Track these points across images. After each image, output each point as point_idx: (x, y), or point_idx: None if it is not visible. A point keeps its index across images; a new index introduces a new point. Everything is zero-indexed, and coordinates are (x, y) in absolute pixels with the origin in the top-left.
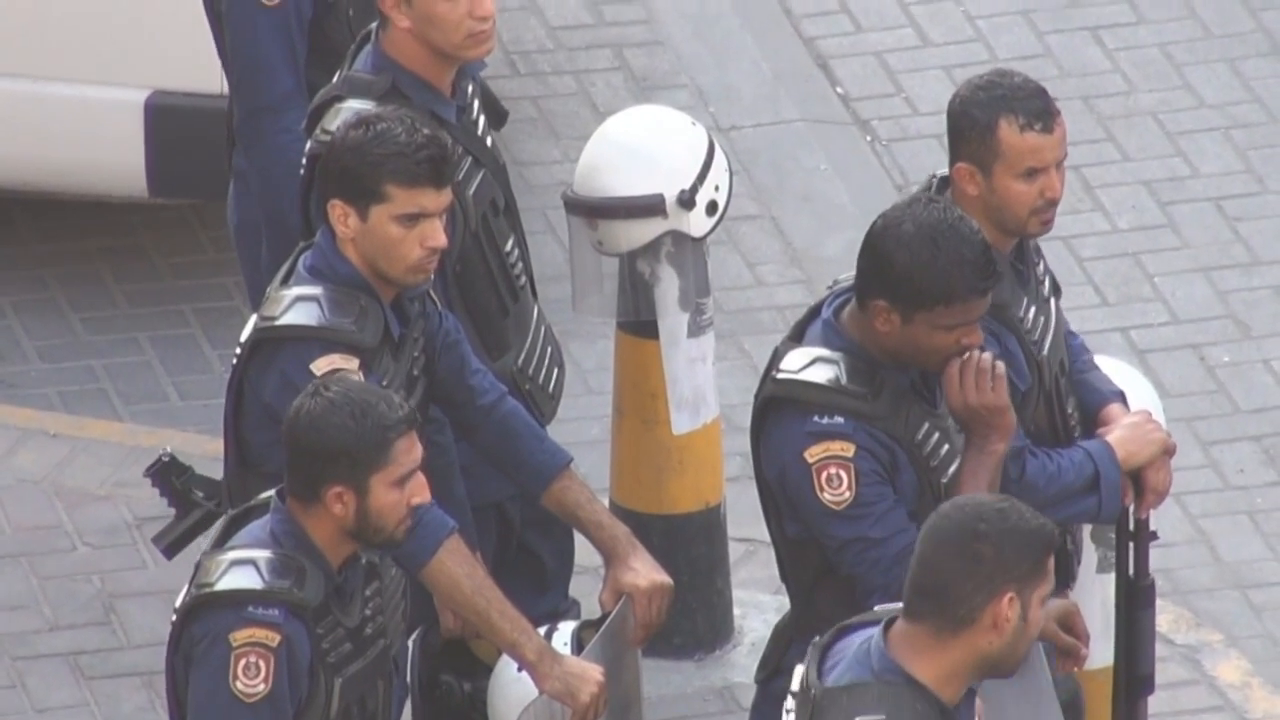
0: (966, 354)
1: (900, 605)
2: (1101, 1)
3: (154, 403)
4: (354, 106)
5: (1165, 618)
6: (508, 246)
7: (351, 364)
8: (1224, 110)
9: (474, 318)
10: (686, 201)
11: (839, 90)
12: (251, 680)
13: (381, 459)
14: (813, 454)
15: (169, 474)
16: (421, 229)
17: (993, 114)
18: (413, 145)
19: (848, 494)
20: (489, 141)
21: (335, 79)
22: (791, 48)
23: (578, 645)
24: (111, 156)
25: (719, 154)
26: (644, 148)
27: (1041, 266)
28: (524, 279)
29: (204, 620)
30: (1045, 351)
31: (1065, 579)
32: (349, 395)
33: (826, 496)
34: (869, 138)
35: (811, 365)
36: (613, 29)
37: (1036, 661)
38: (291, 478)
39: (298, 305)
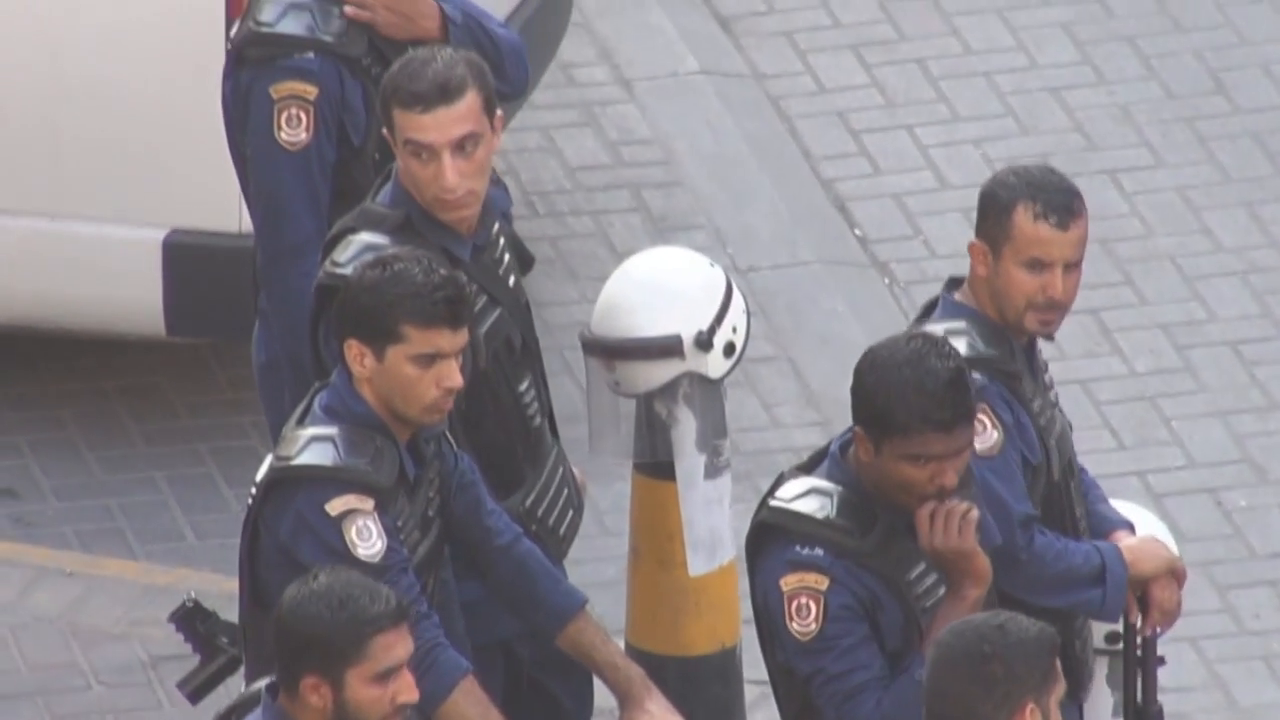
0: (937, 499)
1: None
2: (1120, 145)
3: (170, 542)
4: (366, 239)
5: None
6: (522, 386)
7: (366, 504)
8: (1242, 254)
9: (481, 455)
10: (704, 343)
11: (857, 232)
12: None
13: (356, 653)
14: (788, 582)
15: (193, 619)
16: (438, 369)
17: (1014, 196)
18: (429, 285)
19: (814, 626)
20: (511, 281)
21: (354, 212)
22: (809, 190)
23: None
24: (129, 295)
25: (737, 295)
26: (662, 289)
27: (1049, 376)
28: (539, 419)
29: None
30: (1053, 439)
31: (1075, 689)
32: (332, 586)
33: (795, 626)
34: (887, 280)
35: (805, 496)
36: (631, 170)
37: None
38: (277, 665)
39: (313, 445)
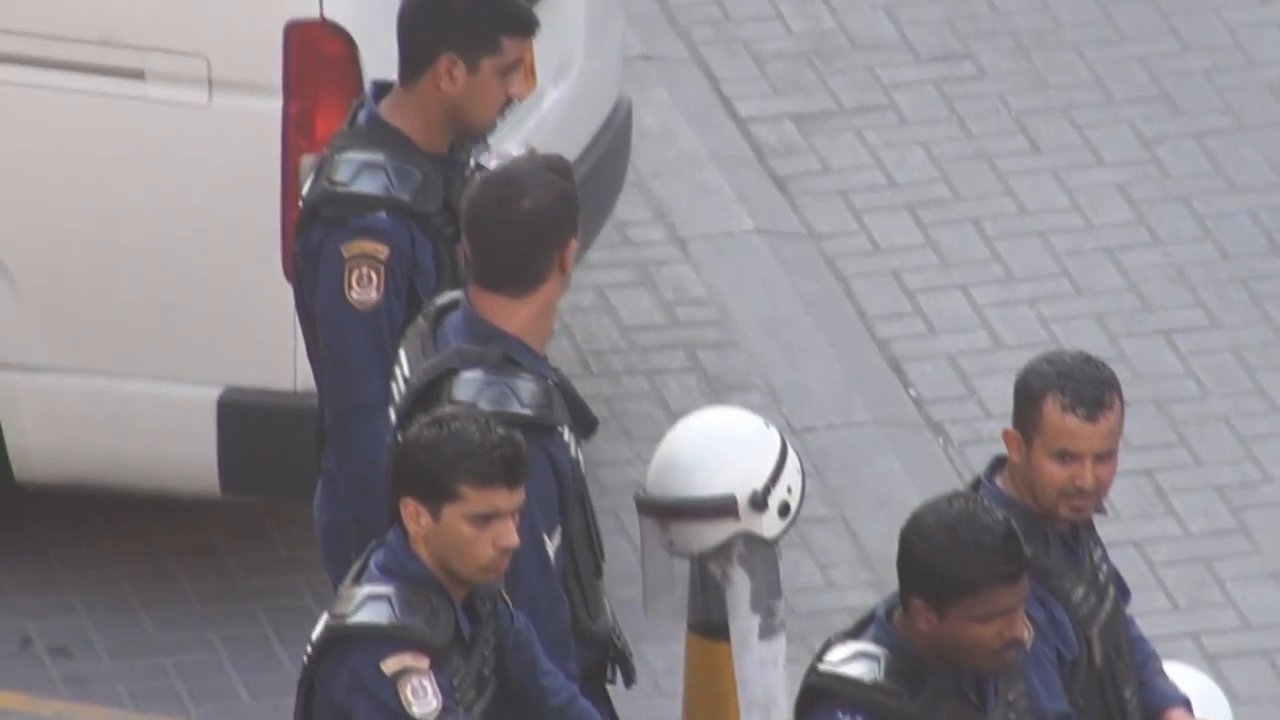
0: (1010, 651)
1: None
2: (1174, 306)
3: (224, 701)
4: (475, 376)
5: None
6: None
7: (422, 663)
8: None
9: (580, 577)
10: (759, 503)
11: (912, 392)
12: None
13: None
14: None
15: None
16: (494, 529)
17: (1044, 387)
18: (487, 445)
19: None
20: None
21: (443, 354)
22: (865, 349)
23: None
24: (184, 453)
25: (792, 455)
26: (717, 449)
27: (1100, 553)
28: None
29: None
30: (1096, 629)
31: None
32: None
33: None
34: (941, 440)
35: (852, 660)
36: (686, 329)
37: None
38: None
39: (369, 604)
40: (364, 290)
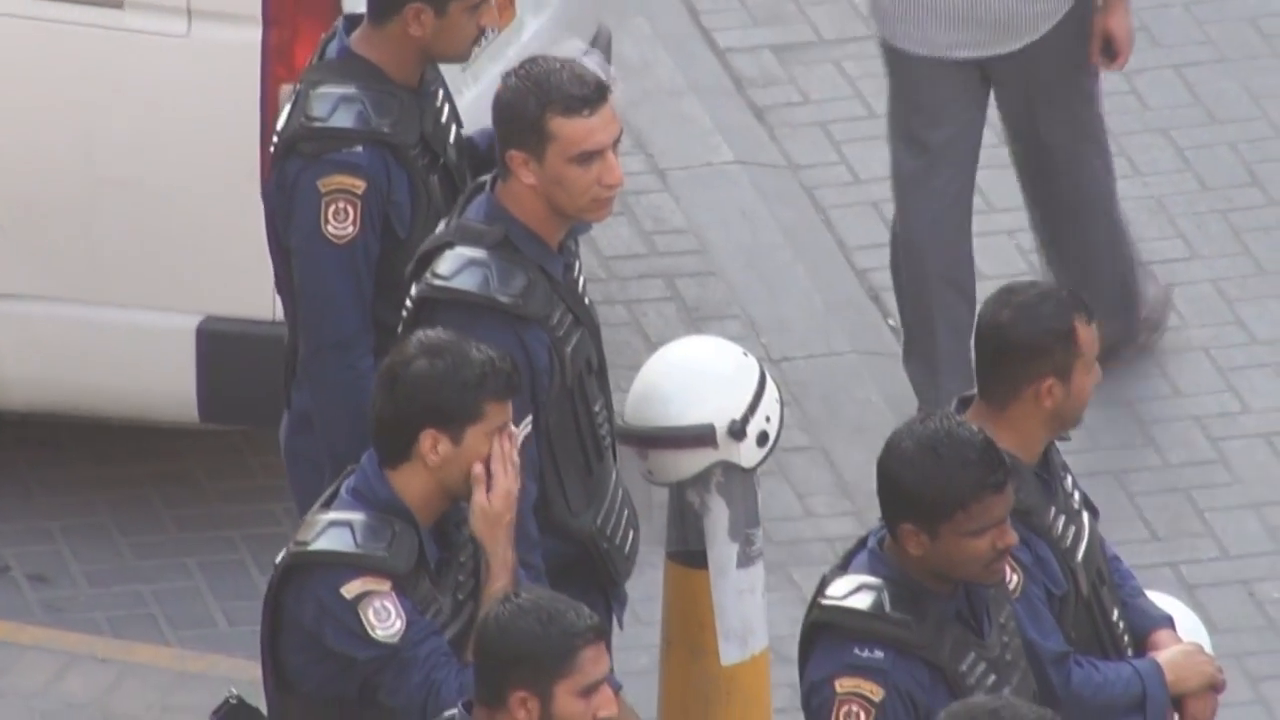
0: (1002, 559)
1: None
2: (1154, 237)
3: (202, 628)
4: (467, 253)
5: None
6: (597, 406)
7: (383, 585)
8: (1275, 346)
9: (560, 472)
10: (737, 432)
11: (890, 322)
12: None
13: (567, 667)
14: (843, 685)
15: (236, 716)
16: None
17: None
18: (493, 361)
19: None
20: (587, 300)
21: (443, 226)
22: (844, 280)
23: None
24: (162, 382)
25: (770, 385)
26: (695, 378)
27: (1070, 481)
28: (608, 439)
29: None
30: (1079, 559)
31: None
32: (538, 602)
33: None
34: None
35: (856, 592)
36: (665, 259)
37: None
38: (478, 682)
39: (330, 530)
40: (340, 225)
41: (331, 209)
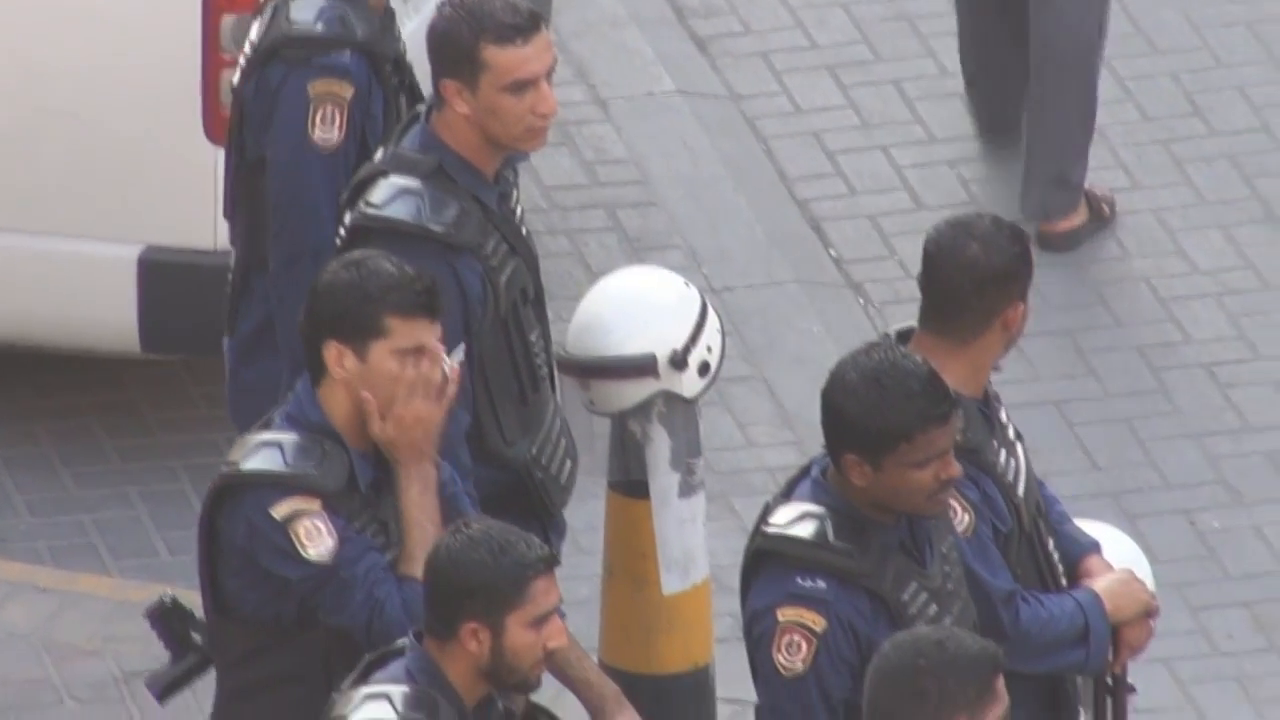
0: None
1: None
2: (1095, 167)
3: (144, 557)
4: (400, 182)
5: None
6: (533, 336)
7: (313, 505)
8: (1217, 277)
9: (494, 401)
10: (679, 362)
11: (832, 253)
12: None
13: (519, 598)
14: (785, 614)
15: (170, 617)
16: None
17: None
18: (406, 278)
19: (799, 666)
20: (524, 231)
21: (379, 155)
22: (785, 210)
23: None
24: (104, 312)
25: (712, 315)
26: (637, 308)
27: (1004, 412)
28: (545, 369)
29: None
30: (1021, 493)
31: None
32: (489, 533)
33: (780, 659)
34: (862, 300)
35: (799, 521)
36: (606, 189)
37: None
38: (429, 614)
39: (260, 451)
40: (327, 129)
41: (319, 114)
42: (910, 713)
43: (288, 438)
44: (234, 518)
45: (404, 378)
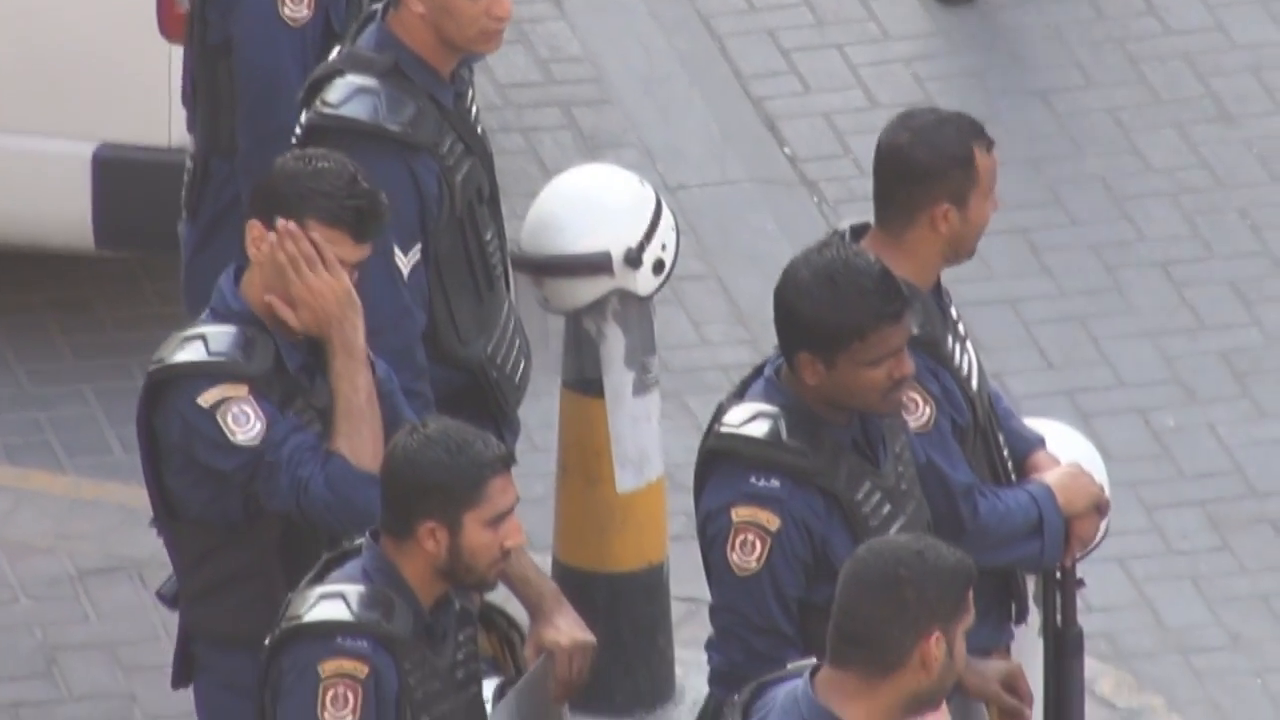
0: (900, 388)
1: (810, 660)
2: (1050, 65)
3: (98, 455)
4: (356, 81)
5: (1107, 681)
6: (488, 235)
7: (239, 391)
8: (1171, 175)
9: (449, 301)
10: (633, 260)
11: (787, 151)
12: (339, 711)
13: (476, 496)
14: (740, 514)
15: None
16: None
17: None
18: (345, 192)
19: (754, 565)
20: (479, 130)
21: (335, 54)
22: (740, 108)
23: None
24: (58, 208)
25: (666, 213)
26: (591, 206)
27: (954, 309)
28: (500, 269)
29: (292, 652)
30: (975, 387)
31: (1021, 615)
32: (445, 432)
33: (734, 558)
34: (816, 198)
35: (753, 420)
36: (561, 87)
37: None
38: (386, 513)
39: (185, 345)
40: (296, 5)
41: None
42: (889, 620)
43: (211, 329)
44: (167, 414)
45: (277, 260)
